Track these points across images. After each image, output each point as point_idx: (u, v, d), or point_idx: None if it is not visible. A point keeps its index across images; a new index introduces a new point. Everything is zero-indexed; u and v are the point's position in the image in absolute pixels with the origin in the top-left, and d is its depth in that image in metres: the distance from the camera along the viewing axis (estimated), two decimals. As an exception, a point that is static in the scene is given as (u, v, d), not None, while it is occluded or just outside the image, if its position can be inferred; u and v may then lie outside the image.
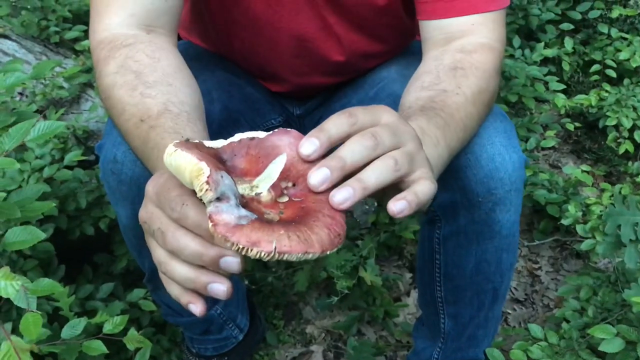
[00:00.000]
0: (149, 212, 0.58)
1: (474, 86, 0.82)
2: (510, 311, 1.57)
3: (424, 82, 0.83)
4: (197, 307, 0.58)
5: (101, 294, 1.28)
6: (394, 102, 1.06)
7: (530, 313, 1.56)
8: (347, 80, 1.16)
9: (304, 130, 1.24)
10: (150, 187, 0.58)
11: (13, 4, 1.74)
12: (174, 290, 0.59)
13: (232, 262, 0.53)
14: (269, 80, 1.17)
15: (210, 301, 1.18)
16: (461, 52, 0.87)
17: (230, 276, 0.56)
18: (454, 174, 0.88)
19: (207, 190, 0.51)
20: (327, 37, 1.02)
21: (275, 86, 1.17)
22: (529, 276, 1.65)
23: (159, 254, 0.57)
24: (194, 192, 0.54)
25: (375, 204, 1.59)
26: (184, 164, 0.53)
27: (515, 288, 1.62)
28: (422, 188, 0.58)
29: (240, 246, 0.49)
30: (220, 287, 0.55)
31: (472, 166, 0.87)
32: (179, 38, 1.24)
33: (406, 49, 1.16)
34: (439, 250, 1.02)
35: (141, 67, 0.79)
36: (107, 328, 0.96)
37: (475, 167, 0.87)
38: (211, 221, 0.50)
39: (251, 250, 0.50)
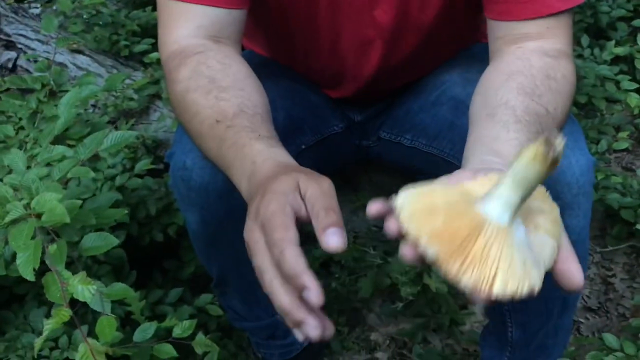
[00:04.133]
0: (255, 237, 0.59)
1: (565, 109, 0.81)
2: (583, 320, 1.51)
3: (523, 85, 0.79)
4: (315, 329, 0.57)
5: (170, 299, 1.32)
6: (455, 107, 1.05)
7: (604, 322, 1.50)
8: (407, 85, 1.16)
9: (365, 136, 1.25)
10: (262, 208, 0.59)
11: (86, 20, 1.82)
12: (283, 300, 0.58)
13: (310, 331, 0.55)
14: (330, 86, 1.18)
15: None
16: (548, 57, 0.84)
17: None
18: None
19: None
20: (384, 43, 1.02)
21: (336, 92, 1.18)
22: (602, 284, 1.59)
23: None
24: (295, 237, 0.56)
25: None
26: None
27: (587, 296, 1.56)
28: None
29: None
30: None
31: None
32: (242, 47, 1.28)
33: (467, 51, 1.14)
34: (506, 257, 0.99)
35: (213, 72, 0.82)
36: (176, 332, 0.99)
37: (541, 171, 0.85)
38: None
39: None
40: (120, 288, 0.73)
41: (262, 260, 0.58)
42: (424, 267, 0.53)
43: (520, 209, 0.53)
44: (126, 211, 0.90)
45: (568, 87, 0.83)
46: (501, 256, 0.50)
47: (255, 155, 0.69)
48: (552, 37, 0.85)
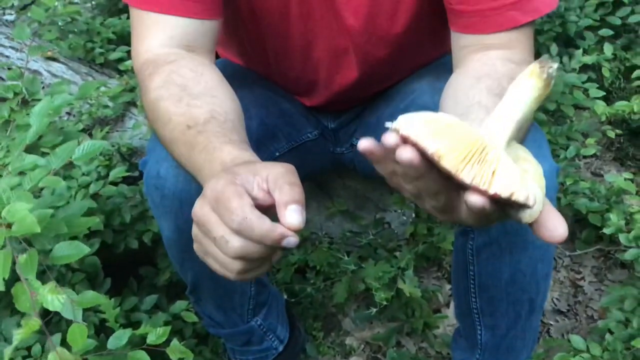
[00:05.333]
0: (206, 215, 0.63)
1: None
2: (552, 322, 1.54)
3: (491, 87, 0.80)
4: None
5: (145, 306, 1.32)
6: (427, 114, 1.07)
7: (573, 324, 1.54)
8: (378, 93, 1.18)
9: (338, 143, 1.26)
10: (209, 190, 0.63)
11: (61, 27, 1.82)
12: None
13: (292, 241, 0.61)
14: (304, 94, 1.19)
15: (251, 312, 1.21)
16: (512, 63, 0.85)
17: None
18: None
19: None
20: (356, 52, 1.04)
21: (310, 100, 1.19)
22: (572, 287, 1.63)
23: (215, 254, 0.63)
24: (251, 202, 0.60)
25: (413, 214, 1.59)
26: None
27: (557, 299, 1.59)
28: None
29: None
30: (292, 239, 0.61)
31: (503, 177, 0.87)
32: (217, 56, 1.29)
33: (436, 61, 1.16)
34: (473, 262, 1.02)
35: (185, 80, 0.83)
36: (151, 339, 1.00)
37: (506, 177, 0.87)
38: None
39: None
40: (91, 296, 0.74)
41: (218, 230, 0.61)
42: (420, 170, 0.52)
43: (510, 153, 0.55)
44: (98, 219, 0.90)
45: None
46: (500, 160, 0.52)
47: (225, 157, 0.71)
48: (515, 47, 0.87)
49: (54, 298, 0.67)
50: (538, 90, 0.54)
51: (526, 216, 0.54)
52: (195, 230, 0.65)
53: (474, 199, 0.51)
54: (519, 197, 0.51)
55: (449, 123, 0.53)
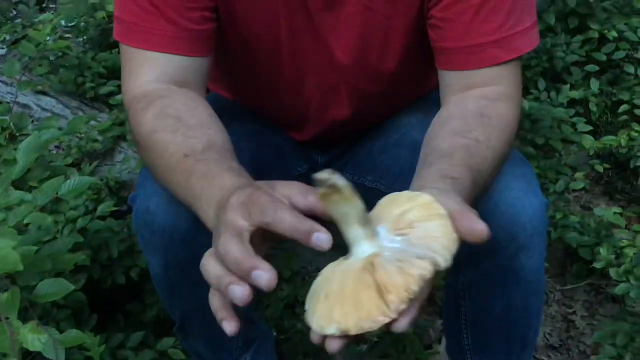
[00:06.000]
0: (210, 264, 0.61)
1: (501, 141, 0.83)
2: (545, 358, 1.52)
3: (454, 128, 0.82)
4: (230, 326, 0.61)
5: (131, 343, 1.30)
6: (415, 149, 1.07)
7: (565, 360, 1.52)
8: (368, 128, 1.18)
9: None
10: (234, 199, 0.62)
11: (52, 61, 1.83)
12: (214, 302, 0.62)
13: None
14: (295, 128, 1.20)
15: (240, 349, 1.19)
16: (484, 99, 0.87)
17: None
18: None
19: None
20: (347, 88, 1.05)
21: (300, 135, 1.19)
22: (564, 321, 1.61)
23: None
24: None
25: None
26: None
27: (549, 334, 1.58)
28: None
29: None
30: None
31: (492, 212, 0.87)
32: (207, 90, 1.29)
33: (426, 96, 1.17)
34: (464, 297, 1.01)
35: (180, 112, 0.83)
36: (136, 377, 0.97)
37: (495, 213, 0.87)
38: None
39: None
40: (74, 335, 0.72)
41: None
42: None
43: (389, 223, 0.59)
44: (84, 256, 0.89)
45: (503, 124, 0.85)
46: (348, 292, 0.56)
47: (226, 182, 0.69)
48: (497, 84, 0.88)
49: (35, 338, 0.66)
50: (340, 200, 0.57)
51: (441, 267, 0.57)
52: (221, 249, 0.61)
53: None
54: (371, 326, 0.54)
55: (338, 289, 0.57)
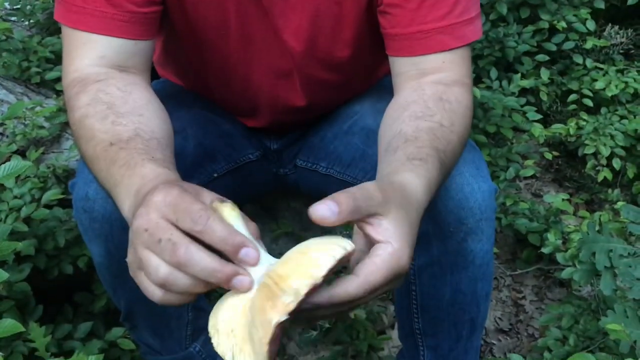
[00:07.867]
0: (152, 222, 0.58)
1: (463, 127, 0.85)
2: (495, 342, 1.56)
3: (415, 112, 0.83)
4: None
5: (79, 334, 1.26)
6: (367, 135, 1.07)
7: (515, 343, 1.55)
8: (321, 115, 1.18)
9: (281, 164, 1.25)
10: (160, 197, 0.59)
11: (-5, 46, 1.76)
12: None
13: (244, 281, 0.57)
14: (245, 116, 1.18)
15: (189, 338, 1.17)
16: (441, 84, 0.88)
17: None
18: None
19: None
20: (298, 74, 1.04)
21: (251, 121, 1.18)
22: (514, 306, 1.65)
23: (157, 264, 0.57)
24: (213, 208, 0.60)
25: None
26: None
27: (499, 318, 1.61)
28: None
29: None
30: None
31: (442, 197, 0.88)
32: (157, 75, 1.26)
33: (378, 83, 1.17)
34: (415, 282, 1.02)
35: (112, 99, 0.81)
36: (83, 368, 0.95)
37: (445, 197, 0.88)
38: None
39: None
40: (8, 324, 0.70)
41: (171, 235, 0.57)
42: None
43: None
44: (25, 243, 0.85)
45: (463, 109, 0.86)
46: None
47: (146, 173, 0.69)
48: (448, 70, 0.89)
49: (-35, 328, 0.63)
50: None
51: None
52: (137, 239, 0.59)
53: None
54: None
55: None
